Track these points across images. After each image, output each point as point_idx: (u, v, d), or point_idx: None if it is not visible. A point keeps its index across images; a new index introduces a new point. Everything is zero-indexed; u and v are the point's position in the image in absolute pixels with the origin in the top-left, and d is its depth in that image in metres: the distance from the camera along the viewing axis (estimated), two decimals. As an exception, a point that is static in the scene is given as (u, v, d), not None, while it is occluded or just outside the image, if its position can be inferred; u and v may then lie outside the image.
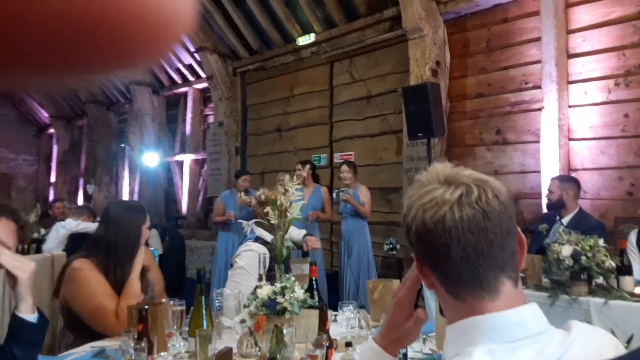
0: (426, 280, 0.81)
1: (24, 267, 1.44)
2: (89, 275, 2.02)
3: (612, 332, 1.07)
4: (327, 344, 1.45)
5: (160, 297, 2.24)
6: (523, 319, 0.73)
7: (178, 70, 8.80)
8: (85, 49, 0.24)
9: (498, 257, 0.74)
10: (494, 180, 0.78)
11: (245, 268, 2.41)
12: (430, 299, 3.32)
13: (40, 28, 0.23)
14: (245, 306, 1.68)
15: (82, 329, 2.00)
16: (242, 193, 4.85)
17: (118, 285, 2.05)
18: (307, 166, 5.11)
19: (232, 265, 2.56)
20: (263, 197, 2.26)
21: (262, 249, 2.41)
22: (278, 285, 1.61)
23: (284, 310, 1.57)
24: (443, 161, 0.82)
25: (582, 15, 4.35)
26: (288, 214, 2.02)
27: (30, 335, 1.45)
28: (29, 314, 1.45)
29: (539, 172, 4.43)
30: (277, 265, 2.01)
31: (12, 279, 1.43)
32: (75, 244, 3.97)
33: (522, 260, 0.78)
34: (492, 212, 0.74)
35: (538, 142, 4.47)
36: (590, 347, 0.72)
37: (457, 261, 0.74)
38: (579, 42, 4.36)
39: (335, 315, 2.08)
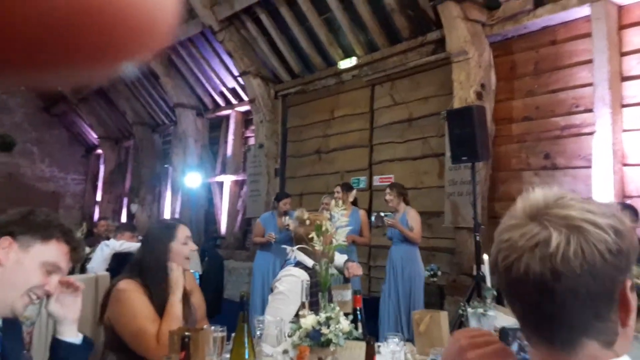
0: None
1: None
2: (132, 297, 2.01)
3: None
4: (375, 381, 1.38)
5: (201, 322, 2.21)
6: None
7: (222, 94, 8.99)
8: (70, 43, 0.24)
9: (574, 321, 0.63)
10: (601, 228, 0.62)
11: (286, 293, 2.36)
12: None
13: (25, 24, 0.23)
14: (288, 335, 1.63)
15: (124, 350, 1.98)
16: (285, 217, 4.83)
17: (162, 307, 2.02)
18: (354, 191, 5.07)
19: (272, 290, 2.52)
20: (306, 218, 2.21)
21: (303, 274, 2.35)
22: (323, 315, 1.55)
23: (329, 341, 1.51)
24: (550, 186, 0.70)
25: (636, 37, 4.19)
26: (333, 239, 1.96)
27: (77, 358, 1.43)
28: (73, 337, 1.44)
29: (590, 198, 4.22)
30: (320, 293, 1.95)
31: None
32: (119, 263, 4.03)
33: (625, 321, 0.66)
34: (567, 273, 0.61)
35: (589, 167, 4.27)
36: None
37: (521, 315, 0.67)
38: (633, 65, 4.18)
39: (379, 346, 1.99)
